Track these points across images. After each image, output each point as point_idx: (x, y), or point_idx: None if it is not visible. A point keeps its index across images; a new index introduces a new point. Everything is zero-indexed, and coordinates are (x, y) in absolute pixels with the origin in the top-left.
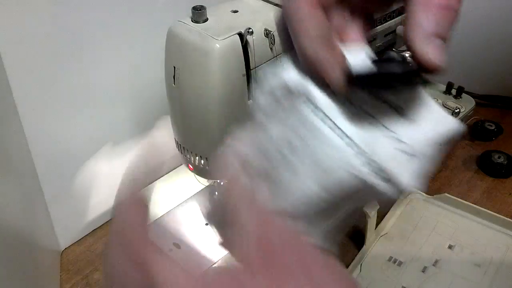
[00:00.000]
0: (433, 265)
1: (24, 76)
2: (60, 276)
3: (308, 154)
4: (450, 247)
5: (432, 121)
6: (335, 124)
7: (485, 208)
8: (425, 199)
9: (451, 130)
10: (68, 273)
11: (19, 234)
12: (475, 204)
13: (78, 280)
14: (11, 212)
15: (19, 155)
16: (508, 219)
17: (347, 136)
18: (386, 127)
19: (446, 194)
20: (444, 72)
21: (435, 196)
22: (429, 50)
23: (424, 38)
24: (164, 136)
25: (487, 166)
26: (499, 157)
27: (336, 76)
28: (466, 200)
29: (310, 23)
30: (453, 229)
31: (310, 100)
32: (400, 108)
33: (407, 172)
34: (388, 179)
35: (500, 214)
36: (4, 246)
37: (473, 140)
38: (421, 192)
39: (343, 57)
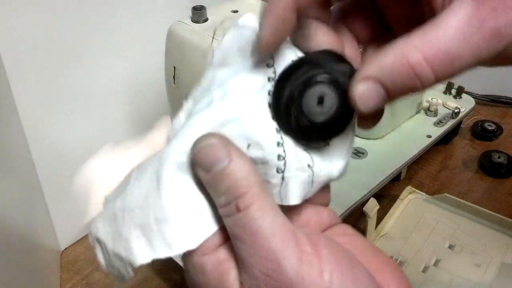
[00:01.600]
0: (433, 265)
1: (24, 76)
2: (60, 276)
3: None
4: (450, 247)
5: (337, 161)
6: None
7: (485, 208)
8: (425, 199)
9: (339, 174)
10: (68, 273)
11: (19, 234)
12: (475, 204)
13: (78, 280)
14: (11, 212)
15: (19, 155)
16: (508, 219)
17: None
18: (307, 146)
19: (446, 194)
20: (370, 127)
21: (435, 196)
22: (361, 88)
23: (366, 76)
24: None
25: (487, 166)
26: (499, 157)
27: (264, 38)
28: (466, 200)
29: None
30: (453, 229)
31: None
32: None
33: (300, 190)
34: (281, 181)
35: (500, 214)
36: (4, 246)
37: (473, 140)
38: (421, 192)
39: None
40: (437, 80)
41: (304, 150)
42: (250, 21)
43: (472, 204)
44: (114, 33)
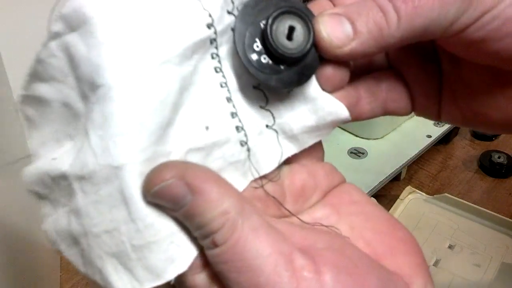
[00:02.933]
0: (433, 265)
1: (24, 76)
2: (60, 276)
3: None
4: (450, 247)
5: (317, 107)
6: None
7: (485, 208)
8: (425, 199)
9: (336, 116)
10: (68, 273)
11: (19, 233)
12: (475, 204)
13: (78, 280)
14: (11, 212)
15: (19, 155)
16: (508, 219)
17: (229, 91)
18: (266, 107)
19: (446, 194)
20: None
21: (435, 196)
22: (326, 18)
23: (332, 12)
24: None
25: (487, 166)
26: (499, 157)
27: None
28: (466, 200)
29: None
30: (453, 229)
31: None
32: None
33: (270, 154)
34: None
35: (500, 214)
36: (4, 246)
37: (473, 140)
38: (421, 192)
39: None
40: (401, 22)
41: (262, 108)
42: None
43: (472, 204)
44: None
